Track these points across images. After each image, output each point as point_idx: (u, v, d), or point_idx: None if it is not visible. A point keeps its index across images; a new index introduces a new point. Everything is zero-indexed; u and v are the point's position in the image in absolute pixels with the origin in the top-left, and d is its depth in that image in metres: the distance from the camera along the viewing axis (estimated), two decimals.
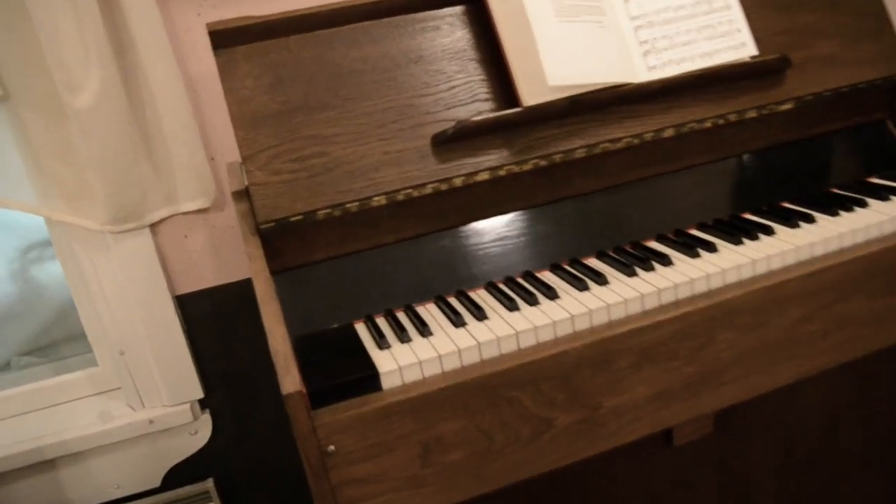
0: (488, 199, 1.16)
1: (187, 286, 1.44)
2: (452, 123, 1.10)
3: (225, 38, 1.08)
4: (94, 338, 1.49)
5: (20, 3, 1.18)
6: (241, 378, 1.52)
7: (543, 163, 1.14)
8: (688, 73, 1.18)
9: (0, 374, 1.63)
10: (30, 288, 1.69)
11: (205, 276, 1.45)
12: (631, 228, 1.23)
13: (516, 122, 1.11)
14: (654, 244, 1.20)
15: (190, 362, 1.45)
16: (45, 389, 1.52)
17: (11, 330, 1.67)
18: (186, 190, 1.35)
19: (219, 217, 1.42)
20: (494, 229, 1.17)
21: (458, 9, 1.17)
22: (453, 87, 1.14)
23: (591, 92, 1.12)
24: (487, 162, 1.11)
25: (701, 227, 1.23)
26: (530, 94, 1.10)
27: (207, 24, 1.07)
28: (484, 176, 1.11)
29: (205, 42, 1.25)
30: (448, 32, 1.16)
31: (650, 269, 1.09)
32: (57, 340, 1.70)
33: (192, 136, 1.31)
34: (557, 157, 1.14)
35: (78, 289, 1.43)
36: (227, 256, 1.44)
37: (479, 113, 1.13)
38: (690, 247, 1.13)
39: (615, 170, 1.23)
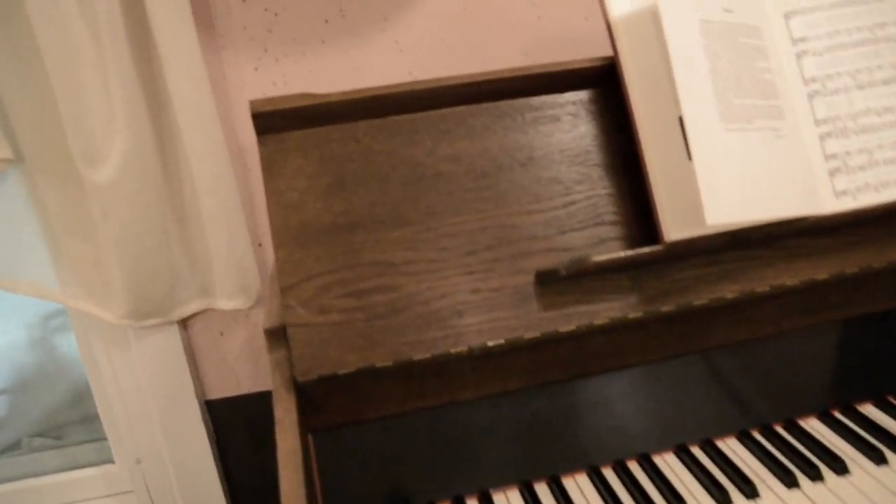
0: (600, 351, 0.87)
1: (219, 391, 1.21)
2: (565, 255, 0.82)
3: (273, 122, 0.83)
4: (111, 436, 1.27)
5: (35, 47, 0.95)
6: (275, 501, 1.28)
7: (680, 310, 0.85)
8: (890, 203, 0.86)
9: (8, 455, 1.42)
10: (50, 359, 1.47)
11: (241, 381, 1.20)
12: (784, 396, 0.93)
13: (653, 261, 0.83)
14: (816, 426, 0.90)
15: (216, 479, 1.21)
16: (53, 486, 1.30)
17: (26, 405, 1.45)
18: (224, 285, 1.09)
19: (262, 314, 1.17)
20: (604, 389, 0.88)
21: (585, 94, 0.89)
22: (571, 203, 0.85)
23: (758, 227, 0.82)
24: (608, 311, 0.82)
25: (881, 406, 0.92)
26: (676, 228, 0.81)
27: (251, 103, 0.82)
28: (600, 323, 0.83)
29: None
30: (569, 126, 0.88)
31: (817, 477, 0.79)
32: (76, 420, 1.48)
33: (234, 219, 1.05)
34: (699, 303, 0.85)
35: (95, 383, 1.21)
36: (269, 361, 1.19)
37: (602, 242, 0.84)
38: (871, 445, 0.82)
39: (770, 316, 0.92)
